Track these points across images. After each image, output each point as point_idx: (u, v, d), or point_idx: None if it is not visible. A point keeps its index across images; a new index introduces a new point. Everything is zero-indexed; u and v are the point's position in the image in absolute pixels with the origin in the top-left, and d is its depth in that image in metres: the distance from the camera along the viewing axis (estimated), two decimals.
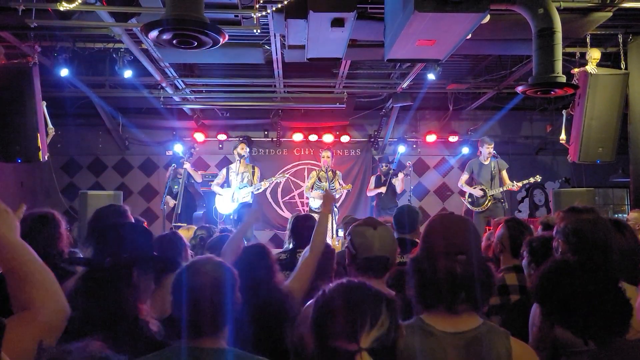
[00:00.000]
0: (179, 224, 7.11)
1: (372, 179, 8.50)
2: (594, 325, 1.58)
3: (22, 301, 1.24)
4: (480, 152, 7.60)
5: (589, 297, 1.59)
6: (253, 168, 7.75)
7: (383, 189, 8.16)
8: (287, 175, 8.15)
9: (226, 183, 7.65)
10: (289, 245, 4.45)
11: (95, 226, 2.84)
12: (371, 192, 8.54)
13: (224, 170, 7.79)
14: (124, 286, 1.74)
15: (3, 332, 1.13)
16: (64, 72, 6.55)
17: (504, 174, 7.48)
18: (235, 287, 1.71)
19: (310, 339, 1.39)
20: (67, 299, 1.34)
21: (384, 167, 8.26)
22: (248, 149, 7.92)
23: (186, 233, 4.70)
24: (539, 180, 7.52)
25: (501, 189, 7.35)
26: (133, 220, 3.01)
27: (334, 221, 7.33)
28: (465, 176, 7.67)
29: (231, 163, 8.60)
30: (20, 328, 1.20)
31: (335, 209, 7.68)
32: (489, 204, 7.38)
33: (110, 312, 1.66)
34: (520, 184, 7.45)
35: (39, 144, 5.82)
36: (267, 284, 2.31)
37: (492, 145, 7.46)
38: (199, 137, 9.34)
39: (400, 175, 7.99)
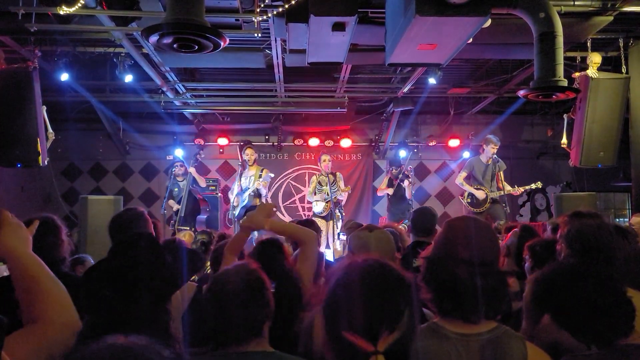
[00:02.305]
0: (183, 227, 7.13)
1: (385, 179, 8.51)
2: (597, 327, 1.56)
3: (33, 314, 1.24)
4: (484, 150, 7.62)
5: (592, 299, 1.57)
6: (261, 170, 7.74)
7: (390, 190, 8.16)
8: (272, 175, 7.87)
9: (240, 188, 7.73)
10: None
11: (119, 234, 2.79)
12: (381, 192, 8.59)
13: (238, 178, 7.90)
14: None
15: (4, 330, 1.12)
16: (64, 76, 6.55)
17: (501, 175, 7.52)
18: (265, 289, 1.73)
19: (322, 323, 1.33)
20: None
21: (394, 170, 8.22)
22: (255, 155, 7.93)
23: (185, 238, 4.70)
24: (540, 186, 7.55)
25: (500, 193, 7.39)
26: (151, 223, 2.96)
27: (335, 225, 7.34)
28: (464, 173, 7.69)
29: (232, 167, 8.68)
30: (29, 340, 1.20)
31: (338, 213, 7.67)
32: (488, 204, 7.45)
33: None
34: (522, 189, 7.48)
35: (39, 149, 5.80)
36: (281, 267, 2.29)
37: (497, 147, 7.49)
38: (223, 140, 9.35)
39: (406, 181, 7.95)
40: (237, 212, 7.57)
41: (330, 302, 1.31)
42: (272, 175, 7.94)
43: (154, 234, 2.83)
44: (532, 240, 2.55)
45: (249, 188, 7.57)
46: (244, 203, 7.55)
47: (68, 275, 2.50)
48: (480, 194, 7.45)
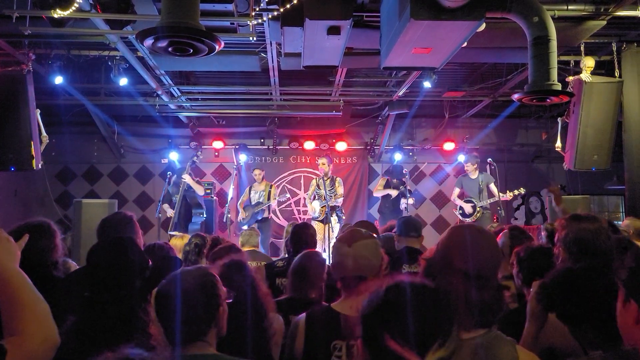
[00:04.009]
0: (175, 233, 7.08)
1: (382, 181, 8.51)
2: (606, 327, 1.55)
3: (13, 327, 1.26)
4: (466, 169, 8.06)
5: (604, 298, 1.56)
6: (270, 187, 8.16)
7: (394, 192, 8.19)
8: (288, 195, 8.57)
9: (249, 200, 8.17)
10: (285, 253, 4.43)
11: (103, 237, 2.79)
12: (378, 193, 8.56)
13: (247, 190, 8.36)
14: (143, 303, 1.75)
15: (4, 357, 1.13)
16: (59, 79, 6.52)
17: (492, 186, 7.83)
18: (215, 292, 1.70)
19: (361, 330, 1.32)
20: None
21: (395, 181, 8.28)
22: (263, 172, 8.31)
23: (180, 241, 4.67)
24: (523, 192, 7.88)
25: (490, 200, 7.73)
26: (139, 228, 2.96)
27: (331, 229, 7.32)
28: (457, 190, 8.12)
29: (227, 171, 8.65)
30: (9, 352, 1.22)
31: (336, 217, 7.67)
32: (479, 214, 7.76)
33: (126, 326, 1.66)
34: (511, 194, 7.72)
35: (33, 152, 5.77)
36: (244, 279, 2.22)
37: (472, 163, 7.92)
38: (218, 144, 9.54)
39: (405, 200, 7.93)
40: (247, 221, 7.95)
41: (377, 313, 1.30)
42: (288, 195, 8.62)
43: (141, 238, 2.84)
44: (519, 246, 2.53)
45: (261, 202, 7.99)
46: (257, 216, 7.98)
47: (58, 278, 2.49)
48: (467, 206, 7.87)
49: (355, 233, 2.12)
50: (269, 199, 8.04)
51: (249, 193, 8.24)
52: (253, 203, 8.08)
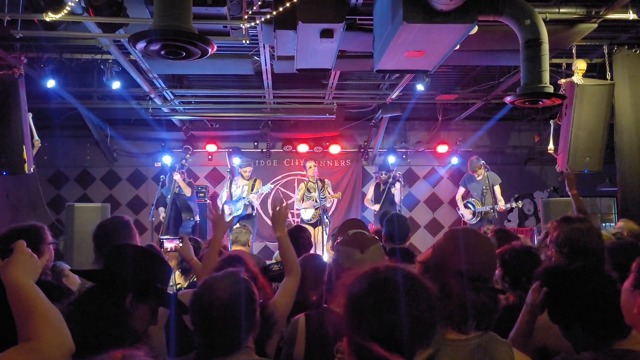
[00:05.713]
0: (166, 237, 7.03)
1: (371, 188, 8.37)
2: (597, 327, 1.56)
3: (28, 333, 1.30)
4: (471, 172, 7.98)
5: (600, 296, 1.56)
6: (254, 181, 7.75)
7: (377, 207, 7.99)
8: (271, 186, 8.02)
9: (231, 196, 7.73)
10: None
11: (103, 242, 2.75)
12: (367, 204, 8.49)
13: (228, 184, 7.88)
14: (113, 309, 1.72)
15: None
16: (51, 83, 6.48)
17: (497, 189, 7.72)
18: (253, 299, 1.71)
19: (347, 332, 1.24)
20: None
21: (383, 175, 8.09)
22: (250, 169, 7.91)
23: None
24: (520, 205, 7.81)
25: (491, 207, 7.60)
26: (137, 232, 2.95)
27: (324, 232, 7.31)
28: (461, 190, 8.10)
29: (221, 174, 8.57)
30: (22, 356, 1.26)
31: (327, 220, 7.64)
32: (478, 218, 7.78)
33: (96, 335, 1.64)
34: (504, 207, 7.70)
35: (25, 156, 5.73)
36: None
37: (479, 165, 7.78)
38: (211, 147, 9.39)
39: (397, 185, 7.89)
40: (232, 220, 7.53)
41: (358, 311, 1.22)
42: (272, 185, 7.98)
43: (139, 242, 2.81)
44: (503, 248, 2.51)
45: (242, 197, 7.55)
46: (238, 212, 7.53)
47: (46, 282, 2.46)
48: (466, 212, 7.89)
49: (362, 237, 2.13)
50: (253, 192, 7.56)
51: (230, 188, 7.71)
52: (234, 199, 7.64)
